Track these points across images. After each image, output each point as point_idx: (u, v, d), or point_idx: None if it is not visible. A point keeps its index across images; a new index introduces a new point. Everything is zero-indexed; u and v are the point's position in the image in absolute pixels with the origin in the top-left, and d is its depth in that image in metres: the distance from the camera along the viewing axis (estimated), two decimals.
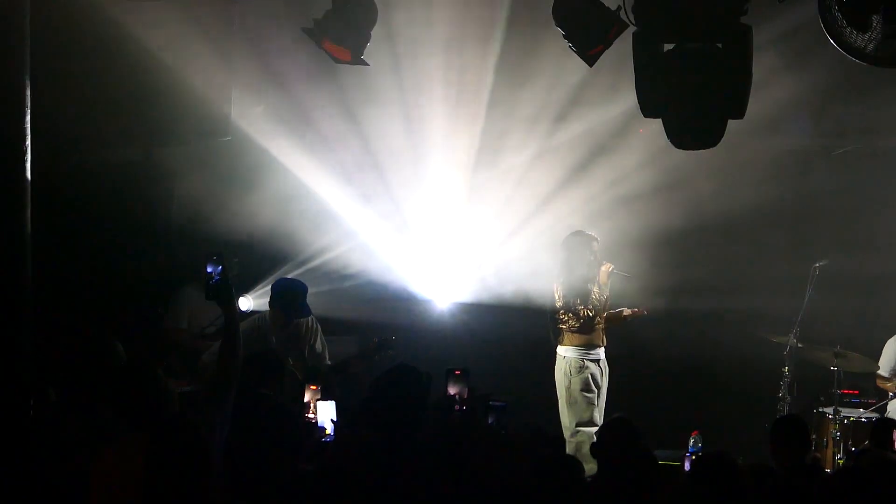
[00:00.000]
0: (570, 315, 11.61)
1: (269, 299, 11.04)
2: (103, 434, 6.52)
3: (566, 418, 11.61)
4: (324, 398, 10.18)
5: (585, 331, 11.64)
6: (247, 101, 12.06)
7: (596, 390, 11.62)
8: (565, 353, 11.69)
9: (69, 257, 11.35)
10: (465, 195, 13.44)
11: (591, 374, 11.60)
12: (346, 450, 7.28)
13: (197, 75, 11.05)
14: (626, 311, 11.77)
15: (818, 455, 10.99)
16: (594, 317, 11.60)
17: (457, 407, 10.97)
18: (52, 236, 10.47)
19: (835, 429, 11.59)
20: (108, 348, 7.49)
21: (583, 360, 11.61)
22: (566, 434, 11.47)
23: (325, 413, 9.97)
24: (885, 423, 9.97)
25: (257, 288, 12.27)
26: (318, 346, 11.14)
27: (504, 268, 13.33)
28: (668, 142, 8.88)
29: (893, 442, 9.32)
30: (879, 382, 12.34)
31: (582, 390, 11.55)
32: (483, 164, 13.24)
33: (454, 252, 13.62)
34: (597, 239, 11.80)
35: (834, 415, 11.64)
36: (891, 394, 12.21)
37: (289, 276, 12.00)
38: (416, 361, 7.68)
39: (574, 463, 7.24)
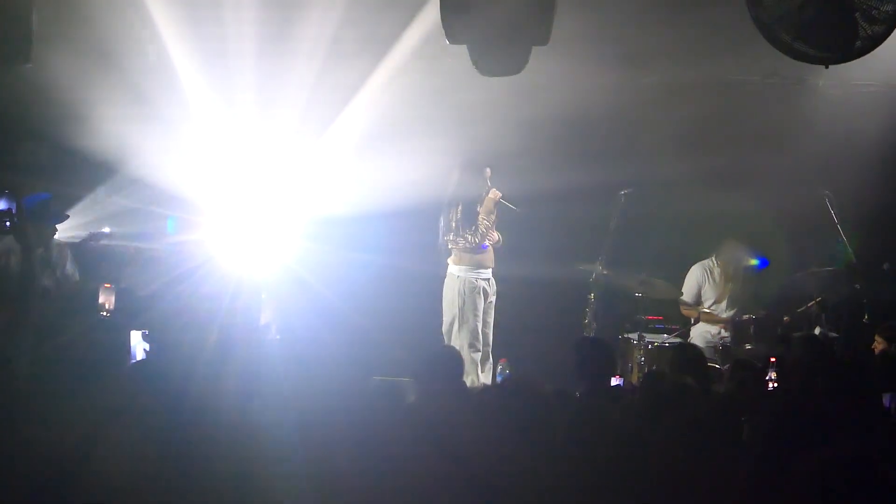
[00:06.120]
0: (459, 238, 11.70)
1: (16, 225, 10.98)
2: None
3: (456, 338, 11.66)
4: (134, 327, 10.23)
5: (476, 251, 11.76)
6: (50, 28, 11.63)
7: (482, 306, 11.75)
8: (458, 273, 11.78)
9: None
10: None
11: (483, 291, 11.74)
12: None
13: None
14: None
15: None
16: (480, 240, 11.75)
17: (270, 336, 10.95)
18: None
19: (639, 354, 11.81)
20: None
21: (475, 279, 11.68)
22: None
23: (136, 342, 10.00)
24: (684, 349, 10.13)
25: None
26: (69, 267, 11.40)
27: None
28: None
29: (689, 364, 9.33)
30: (683, 309, 12.63)
31: (474, 310, 11.63)
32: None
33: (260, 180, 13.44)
34: (489, 166, 11.91)
35: (639, 340, 11.86)
36: (693, 319, 12.52)
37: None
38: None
39: None
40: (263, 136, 13.15)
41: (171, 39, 12.35)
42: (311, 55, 12.42)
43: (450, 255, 11.84)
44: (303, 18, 12.08)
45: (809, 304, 12.08)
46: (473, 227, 11.72)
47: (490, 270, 11.85)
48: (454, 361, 8.13)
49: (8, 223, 10.11)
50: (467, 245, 11.71)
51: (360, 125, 12.87)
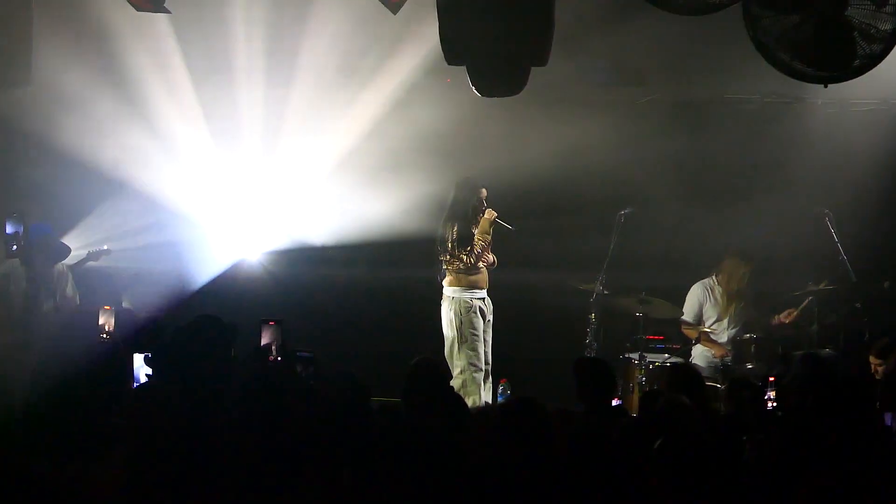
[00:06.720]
0: (454, 258, 11.67)
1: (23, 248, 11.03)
2: None
3: (458, 358, 11.64)
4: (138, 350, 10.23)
5: (471, 272, 11.74)
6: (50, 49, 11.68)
7: (482, 326, 11.74)
8: (453, 294, 11.74)
9: None
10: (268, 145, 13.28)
11: (480, 311, 11.72)
12: (151, 401, 7.15)
13: None
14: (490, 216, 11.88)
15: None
16: (475, 261, 11.72)
17: (271, 357, 10.97)
18: None
19: (640, 374, 11.78)
20: None
21: (471, 299, 11.69)
22: (454, 371, 11.49)
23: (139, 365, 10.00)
24: (680, 368, 10.13)
25: None
26: (70, 290, 11.58)
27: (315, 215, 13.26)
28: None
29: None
30: (683, 328, 12.60)
31: (472, 329, 11.62)
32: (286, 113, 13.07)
33: (261, 203, 13.45)
34: (485, 187, 11.88)
35: (639, 360, 11.83)
36: (693, 339, 12.48)
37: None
38: (228, 312, 7.60)
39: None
40: (266, 156, 13.19)
41: (176, 56, 12.41)
42: (318, 73, 12.48)
43: (444, 276, 11.83)
44: (309, 33, 12.14)
45: (805, 301, 12.16)
46: (468, 248, 11.71)
47: (485, 291, 11.85)
48: (432, 370, 8.15)
49: (15, 246, 10.18)
50: (461, 266, 11.71)
51: (361, 147, 12.92)
